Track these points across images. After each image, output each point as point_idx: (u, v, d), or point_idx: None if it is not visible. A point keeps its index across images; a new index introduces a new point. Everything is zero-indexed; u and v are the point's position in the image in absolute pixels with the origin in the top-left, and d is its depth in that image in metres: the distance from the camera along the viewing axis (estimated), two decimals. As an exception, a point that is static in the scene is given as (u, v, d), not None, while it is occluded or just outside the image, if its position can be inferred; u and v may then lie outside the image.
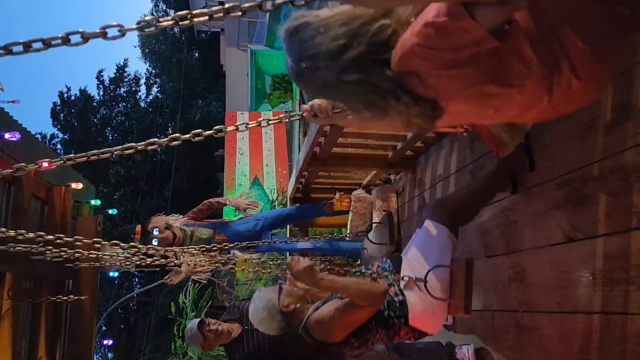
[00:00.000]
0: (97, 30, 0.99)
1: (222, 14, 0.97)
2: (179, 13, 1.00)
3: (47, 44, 1.01)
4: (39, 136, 20.86)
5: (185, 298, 8.49)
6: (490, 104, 1.13)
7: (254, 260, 3.51)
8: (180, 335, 8.54)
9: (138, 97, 24.72)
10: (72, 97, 23.18)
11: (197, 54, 26.68)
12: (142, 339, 17.57)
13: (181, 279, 3.35)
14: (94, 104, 23.53)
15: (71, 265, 3.43)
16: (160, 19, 0.99)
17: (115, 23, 1.00)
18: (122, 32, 1.00)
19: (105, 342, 15.76)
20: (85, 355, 5.89)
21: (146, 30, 0.99)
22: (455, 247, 1.98)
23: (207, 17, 0.98)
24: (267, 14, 12.79)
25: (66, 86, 26.81)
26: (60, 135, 23.46)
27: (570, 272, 1.77)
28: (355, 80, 1.09)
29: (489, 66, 1.04)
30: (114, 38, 1.00)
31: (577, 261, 1.74)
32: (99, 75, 23.87)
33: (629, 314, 1.50)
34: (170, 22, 0.99)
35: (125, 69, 24.22)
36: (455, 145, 2.77)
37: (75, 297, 4.95)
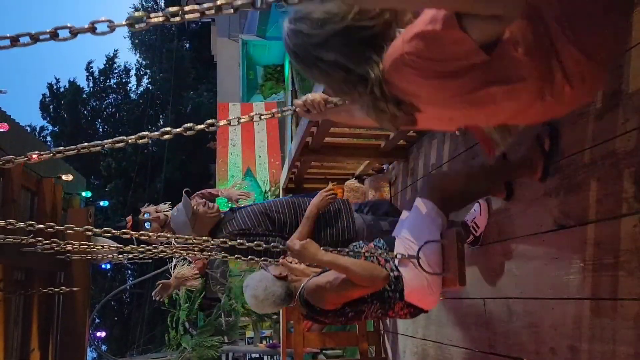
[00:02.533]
0: (86, 26, 0.96)
1: (213, 12, 0.95)
2: (170, 9, 0.97)
3: (35, 38, 0.98)
4: (28, 128, 20.65)
5: (178, 290, 8.50)
6: (480, 111, 1.12)
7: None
8: (174, 326, 8.56)
9: (128, 88, 24.53)
10: (62, 89, 22.94)
11: (187, 45, 26.45)
12: (135, 331, 17.58)
13: (170, 293, 3.32)
14: (84, 95, 23.31)
15: (62, 257, 3.42)
16: (151, 15, 0.97)
17: (104, 18, 0.98)
18: (112, 27, 0.98)
19: (98, 334, 15.74)
20: (78, 347, 5.88)
21: (136, 26, 0.96)
22: (444, 223, 1.99)
23: (198, 14, 0.96)
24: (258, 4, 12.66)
25: (55, 78, 26.55)
26: (50, 127, 23.24)
27: (561, 259, 1.79)
28: (332, 61, 1.08)
29: (479, 77, 1.02)
30: (104, 34, 0.98)
31: (568, 247, 1.75)
32: (89, 67, 23.63)
33: (619, 299, 1.52)
34: (161, 19, 0.97)
35: (115, 60, 24.01)
36: (448, 134, 2.77)
37: (68, 289, 4.93)
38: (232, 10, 0.96)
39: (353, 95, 1.14)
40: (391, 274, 1.95)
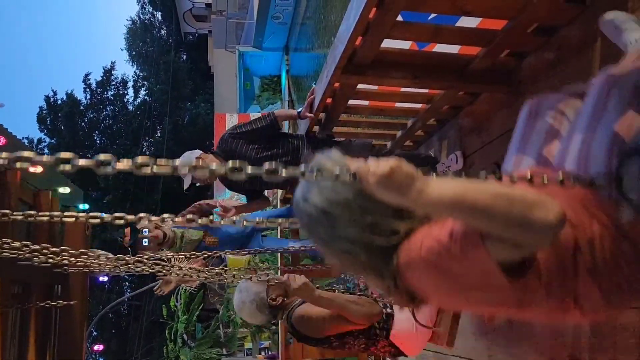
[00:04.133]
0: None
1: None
2: (139, 160, 0.86)
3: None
4: (25, 141, 20.65)
5: (177, 301, 8.44)
6: (487, 314, 1.11)
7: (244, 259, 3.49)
8: (172, 339, 8.51)
9: (126, 100, 24.60)
10: (59, 101, 22.98)
11: (184, 56, 26.59)
12: (133, 344, 17.46)
13: (172, 288, 3.33)
14: (81, 107, 23.35)
15: (60, 270, 3.40)
16: (118, 163, 0.83)
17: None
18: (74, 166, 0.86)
19: (96, 347, 15.62)
20: (75, 361, 5.83)
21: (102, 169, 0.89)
22: None
23: (169, 169, 0.85)
24: (255, 15, 12.78)
25: (52, 90, 26.58)
26: (47, 139, 23.24)
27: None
28: (343, 250, 1.00)
29: (494, 295, 0.95)
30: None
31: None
32: (86, 79, 23.70)
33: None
34: (128, 166, 0.83)
35: (112, 72, 24.09)
36: (445, 142, 2.78)
37: (65, 302, 4.89)
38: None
39: (367, 277, 1.08)
40: (384, 310, 1.95)
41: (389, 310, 1.96)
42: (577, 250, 0.95)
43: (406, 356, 2.07)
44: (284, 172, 0.86)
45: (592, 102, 1.14)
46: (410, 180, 0.82)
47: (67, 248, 1.64)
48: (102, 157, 0.84)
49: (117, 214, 1.29)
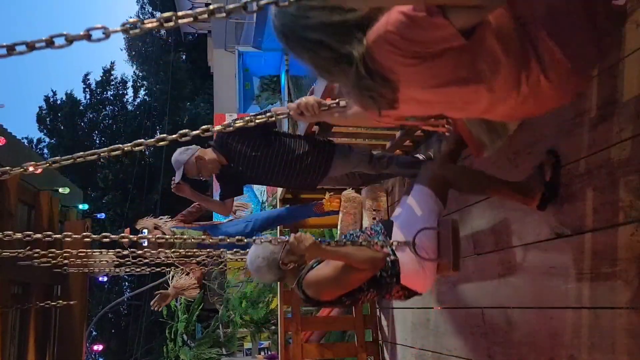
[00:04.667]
0: (82, 33, 0.97)
1: (206, 15, 0.96)
2: (164, 15, 0.98)
3: (31, 46, 0.99)
4: (25, 141, 20.62)
5: (177, 301, 8.44)
6: (458, 96, 1.16)
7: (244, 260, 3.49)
8: (172, 338, 8.50)
9: (125, 100, 24.53)
10: (58, 101, 22.94)
11: (184, 56, 26.53)
12: (133, 343, 17.44)
13: (169, 302, 3.33)
14: (81, 107, 23.30)
15: (59, 270, 3.40)
16: (146, 21, 0.98)
17: (99, 25, 0.99)
18: (107, 33, 0.98)
19: (95, 347, 15.60)
20: (75, 361, 5.83)
21: (131, 32, 0.97)
22: (441, 211, 2.01)
23: (191, 19, 0.97)
24: (254, 15, 12.76)
25: (52, 90, 26.52)
26: (47, 139, 23.21)
27: (559, 268, 1.79)
28: (317, 40, 1.10)
29: (456, 61, 1.06)
30: (99, 40, 0.98)
31: (565, 257, 1.75)
32: (85, 79, 23.63)
33: (617, 308, 1.52)
34: (155, 24, 0.98)
35: (112, 72, 24.02)
36: (443, 143, 2.78)
37: (64, 302, 4.89)
38: (224, 14, 0.97)
39: (338, 75, 1.16)
40: (387, 258, 2.00)
41: (393, 257, 2.01)
42: (528, 5, 1.06)
43: (420, 294, 2.12)
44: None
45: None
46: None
47: (70, 233, 1.64)
48: (132, 20, 0.97)
49: (159, 136, 1.43)
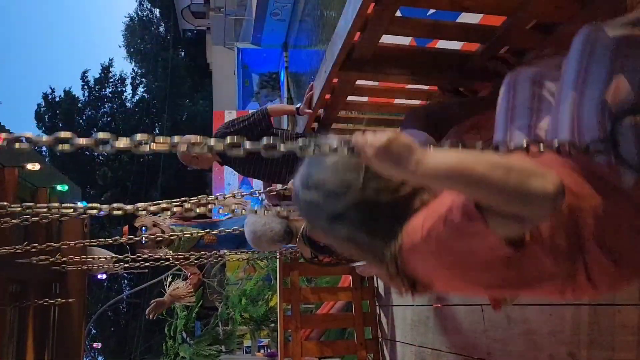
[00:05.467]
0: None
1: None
2: (138, 136, 0.90)
3: None
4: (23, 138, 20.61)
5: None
6: (497, 294, 1.12)
7: (243, 259, 3.50)
8: (172, 336, 8.51)
9: (124, 97, 24.51)
10: (57, 99, 22.92)
11: (183, 53, 26.50)
12: (132, 341, 17.47)
13: (165, 309, 3.35)
14: (79, 105, 23.28)
15: (58, 268, 3.40)
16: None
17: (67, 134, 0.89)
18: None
19: (95, 345, 15.63)
20: (74, 359, 5.83)
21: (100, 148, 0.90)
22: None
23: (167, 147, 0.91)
24: (253, 12, 12.74)
25: (50, 87, 26.54)
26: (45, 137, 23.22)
27: (559, 265, 1.78)
28: (346, 237, 1.00)
29: (499, 269, 0.93)
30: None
31: (565, 254, 1.75)
32: (84, 76, 23.62)
33: (617, 305, 1.51)
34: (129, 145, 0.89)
35: (110, 69, 24.00)
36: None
37: (63, 300, 4.89)
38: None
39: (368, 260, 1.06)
40: None
41: None
42: (579, 218, 0.94)
43: None
44: (282, 147, 0.88)
45: (574, 68, 1.11)
46: (408, 152, 0.81)
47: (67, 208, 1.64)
48: (101, 135, 0.86)
49: (115, 205, 1.33)
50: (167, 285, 3.24)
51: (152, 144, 0.88)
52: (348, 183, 0.95)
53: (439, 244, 0.90)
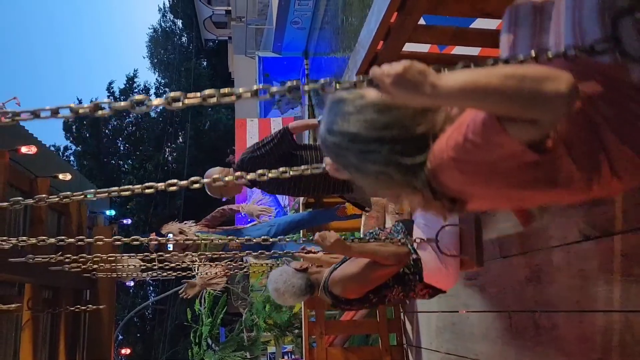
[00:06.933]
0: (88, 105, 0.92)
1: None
2: (171, 94, 0.95)
3: (37, 114, 0.93)
4: (52, 148, 21.17)
5: (201, 305, 8.54)
6: (527, 202, 1.14)
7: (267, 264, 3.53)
8: (197, 342, 8.59)
9: (148, 107, 24.94)
10: (84, 109, 23.46)
11: (205, 63, 26.89)
12: (158, 347, 17.67)
13: (196, 292, 3.41)
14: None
15: (89, 275, 3.48)
16: (151, 100, 0.96)
17: (107, 100, 0.95)
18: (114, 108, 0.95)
19: (122, 351, 15.86)
20: (104, 364, 5.95)
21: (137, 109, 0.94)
22: None
23: (199, 100, 0.95)
24: (274, 20, 12.87)
25: (77, 98, 27.16)
26: (73, 147, 23.77)
27: (588, 271, 1.76)
28: (375, 172, 1.03)
29: (527, 174, 0.97)
30: (103, 114, 0.95)
31: (594, 259, 1.73)
32: (110, 87, 24.16)
33: (649, 312, 1.49)
34: (162, 102, 0.94)
35: (135, 80, 24.50)
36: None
37: (94, 307, 5.01)
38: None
39: (401, 194, 1.09)
40: (412, 254, 2.03)
41: (415, 256, 2.03)
42: (595, 115, 0.97)
43: (444, 292, 2.12)
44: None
45: None
46: (423, 76, 0.85)
47: (101, 237, 1.69)
48: (137, 97, 0.93)
49: (170, 181, 1.43)
50: (197, 270, 3.32)
51: (184, 100, 0.95)
52: (369, 122, 0.99)
53: (466, 159, 0.93)
